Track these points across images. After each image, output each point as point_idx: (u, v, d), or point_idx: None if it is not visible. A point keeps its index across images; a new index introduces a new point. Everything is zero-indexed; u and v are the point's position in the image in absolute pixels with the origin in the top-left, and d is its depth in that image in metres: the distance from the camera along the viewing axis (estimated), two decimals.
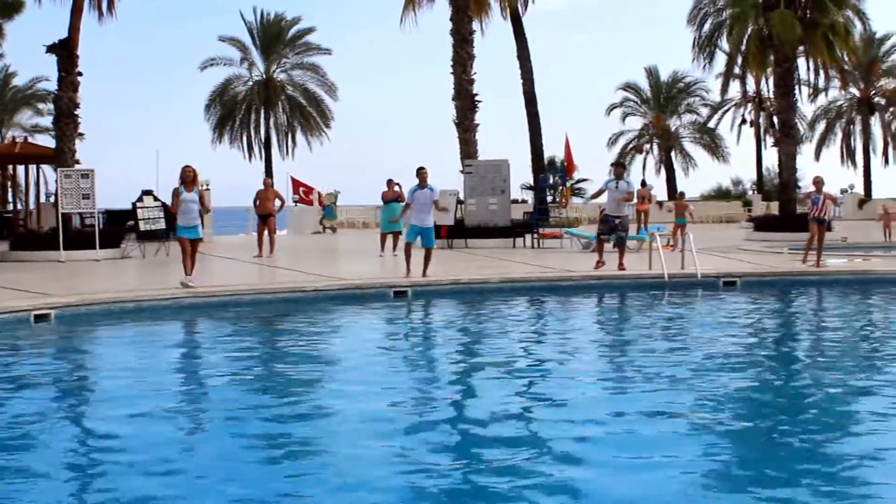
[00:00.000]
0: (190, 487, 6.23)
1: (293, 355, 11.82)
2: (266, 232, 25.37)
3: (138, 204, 27.63)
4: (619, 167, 21.16)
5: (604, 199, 21.74)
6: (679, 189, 37.25)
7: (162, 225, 27.26)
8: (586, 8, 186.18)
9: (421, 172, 19.17)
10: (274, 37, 57.19)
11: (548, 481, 6.31)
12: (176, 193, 16.92)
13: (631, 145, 73.49)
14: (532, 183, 41.64)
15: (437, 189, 19.53)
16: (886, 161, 69.96)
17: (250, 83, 57.46)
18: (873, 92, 67.83)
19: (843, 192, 61.31)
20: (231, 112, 57.22)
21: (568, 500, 5.97)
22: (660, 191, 63.92)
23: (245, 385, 9.79)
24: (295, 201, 46.90)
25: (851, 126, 70.34)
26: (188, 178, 16.94)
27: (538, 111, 41.90)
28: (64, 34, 27.95)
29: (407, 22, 40.37)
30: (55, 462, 6.86)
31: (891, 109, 69.79)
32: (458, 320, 15.56)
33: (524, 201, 49.56)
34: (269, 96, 56.52)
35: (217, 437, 7.61)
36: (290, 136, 57.96)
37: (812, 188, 21.59)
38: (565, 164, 36.16)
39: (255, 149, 57.46)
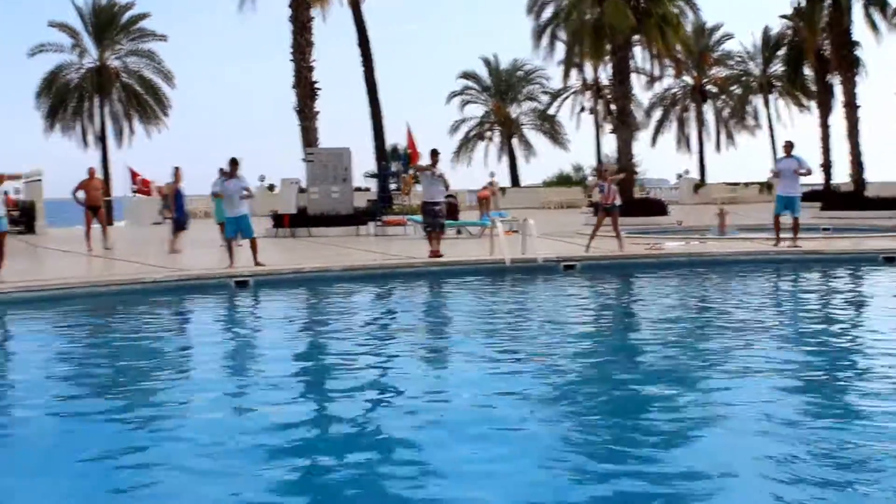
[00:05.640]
0: None
1: (127, 349, 11.46)
2: (96, 224, 24.66)
3: None
4: (434, 154, 21.19)
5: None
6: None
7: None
8: None
9: (233, 163, 19.09)
10: (107, 22, 55.51)
11: (395, 464, 6.27)
12: None
13: (473, 133, 74.17)
14: (375, 171, 41.56)
15: (245, 178, 19.48)
16: (719, 147, 72.38)
17: (83, 70, 55.76)
18: (705, 80, 69.93)
19: (679, 176, 63.11)
20: (63, 100, 55.37)
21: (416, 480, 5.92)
22: (503, 177, 64.74)
23: (74, 381, 9.45)
24: (134, 191, 45.83)
25: (686, 113, 72.41)
26: None
27: (380, 99, 41.80)
28: None
29: (245, 7, 39.85)
30: None
31: (722, 97, 72.13)
32: (299, 309, 15.39)
33: (367, 189, 49.45)
34: (103, 84, 54.89)
35: (42, 448, 7.29)
36: (126, 124, 56.51)
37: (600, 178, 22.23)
38: (409, 151, 36.19)
39: (90, 138, 55.86)
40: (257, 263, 18.22)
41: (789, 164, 21.02)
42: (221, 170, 23.86)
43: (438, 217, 20.46)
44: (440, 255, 19.61)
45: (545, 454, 6.47)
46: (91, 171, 26.13)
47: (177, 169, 24.68)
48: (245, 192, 19.38)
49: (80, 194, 24.75)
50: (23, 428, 7.60)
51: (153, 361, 10.64)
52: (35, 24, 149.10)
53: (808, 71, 50.80)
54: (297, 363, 10.50)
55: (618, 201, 21.74)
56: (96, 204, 24.92)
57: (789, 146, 21.43)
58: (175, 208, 24.02)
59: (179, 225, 23.73)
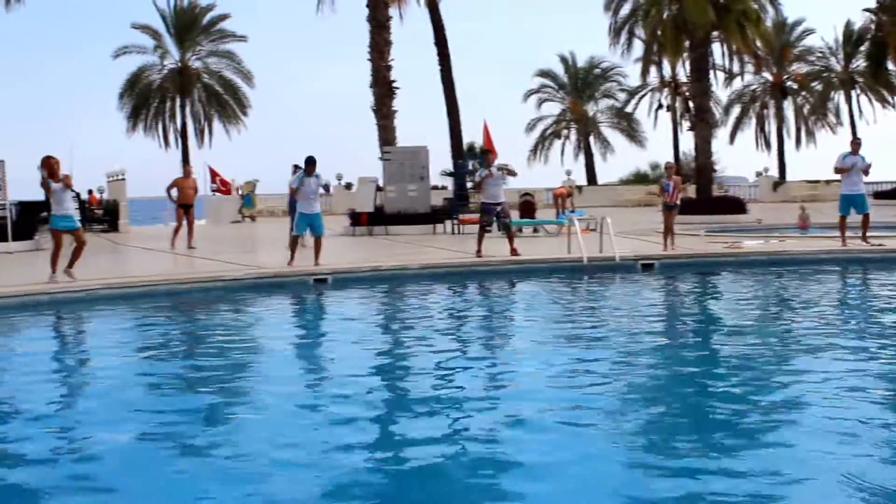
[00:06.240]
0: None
1: (211, 346, 11.67)
2: (186, 222, 25.02)
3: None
4: (486, 153, 21.27)
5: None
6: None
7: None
8: None
9: (310, 161, 19.12)
10: (188, 24, 56.41)
11: (476, 465, 6.32)
12: (48, 186, 16.52)
13: (549, 131, 73.96)
14: (452, 169, 41.69)
15: (324, 177, 19.50)
16: (799, 144, 71.26)
17: (165, 71, 56.70)
18: (786, 77, 68.92)
19: (758, 174, 62.27)
20: (145, 101, 56.43)
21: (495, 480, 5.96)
22: (579, 175, 64.59)
23: (160, 376, 9.62)
24: (213, 190, 46.50)
25: (765, 110, 71.40)
26: (55, 168, 16.54)
27: (456, 97, 41.91)
28: None
29: (324, 7, 40.26)
30: None
31: (803, 94, 71.02)
32: (379, 306, 15.51)
33: (444, 187, 49.60)
34: (185, 84, 55.80)
35: (132, 441, 7.44)
36: (206, 124, 57.36)
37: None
38: (486, 150, 36.25)
39: (172, 137, 56.82)
40: (317, 263, 18.33)
41: (857, 162, 20.57)
42: (296, 166, 23.97)
43: (502, 216, 20.42)
44: (517, 254, 19.58)
45: (627, 454, 6.48)
46: (187, 170, 26.64)
47: (295, 167, 24.93)
48: (322, 191, 19.48)
49: (174, 192, 25.13)
50: (103, 419, 7.76)
51: (232, 357, 10.82)
52: (119, 27, 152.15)
53: (891, 66, 49.95)
54: (376, 359, 10.57)
55: (677, 200, 21.54)
56: (188, 202, 25.25)
57: (858, 143, 21.02)
58: (293, 207, 24.24)
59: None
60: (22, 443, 7.01)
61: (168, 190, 25.20)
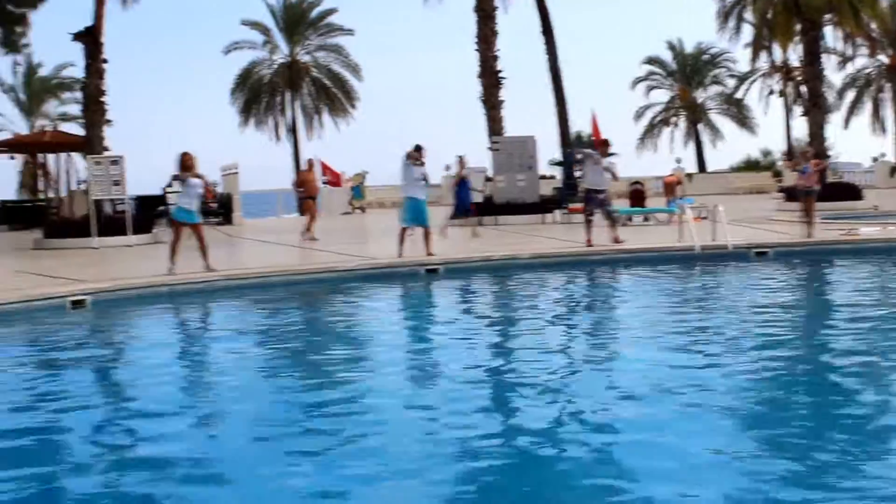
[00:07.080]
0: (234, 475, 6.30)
1: (333, 335, 11.89)
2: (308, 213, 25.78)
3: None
4: (605, 145, 21.27)
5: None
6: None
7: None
8: None
9: (418, 150, 19.10)
10: (297, 19, 57.30)
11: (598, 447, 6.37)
12: (184, 179, 17.27)
13: (658, 118, 73.20)
14: (560, 159, 41.52)
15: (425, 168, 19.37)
16: None
17: (274, 66, 57.62)
18: None
19: (874, 160, 60.80)
20: (256, 95, 57.45)
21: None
22: (689, 163, 63.78)
23: (285, 365, 9.85)
24: (324, 182, 47.11)
25: (881, 94, 69.49)
26: (190, 164, 17.22)
27: (564, 86, 41.72)
28: (88, 22, 28.03)
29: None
30: (88, 444, 7.00)
31: None
32: (492, 295, 15.61)
33: (552, 177, 49.43)
34: (294, 78, 56.65)
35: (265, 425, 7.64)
36: (316, 116, 58.12)
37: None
38: (593, 139, 36.05)
39: (282, 131, 57.70)
40: (429, 254, 18.44)
41: None
42: (460, 157, 24.54)
43: (605, 205, 20.34)
44: (620, 241, 19.52)
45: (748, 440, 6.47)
46: (310, 164, 27.51)
47: (460, 157, 25.53)
48: (424, 180, 19.35)
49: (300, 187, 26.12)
50: (220, 408, 7.97)
51: (348, 346, 11.03)
52: (230, 23, 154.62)
53: None
54: (492, 346, 10.67)
55: (816, 185, 21.14)
56: (314, 195, 26.24)
57: None
58: (458, 195, 25.13)
59: (460, 210, 24.82)
60: (147, 435, 7.27)
61: (294, 185, 26.11)
